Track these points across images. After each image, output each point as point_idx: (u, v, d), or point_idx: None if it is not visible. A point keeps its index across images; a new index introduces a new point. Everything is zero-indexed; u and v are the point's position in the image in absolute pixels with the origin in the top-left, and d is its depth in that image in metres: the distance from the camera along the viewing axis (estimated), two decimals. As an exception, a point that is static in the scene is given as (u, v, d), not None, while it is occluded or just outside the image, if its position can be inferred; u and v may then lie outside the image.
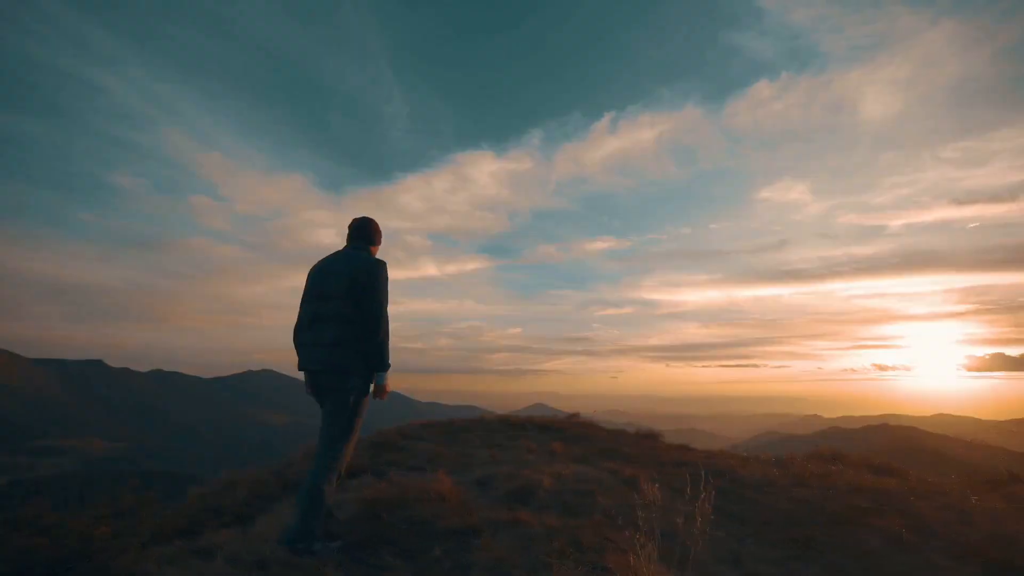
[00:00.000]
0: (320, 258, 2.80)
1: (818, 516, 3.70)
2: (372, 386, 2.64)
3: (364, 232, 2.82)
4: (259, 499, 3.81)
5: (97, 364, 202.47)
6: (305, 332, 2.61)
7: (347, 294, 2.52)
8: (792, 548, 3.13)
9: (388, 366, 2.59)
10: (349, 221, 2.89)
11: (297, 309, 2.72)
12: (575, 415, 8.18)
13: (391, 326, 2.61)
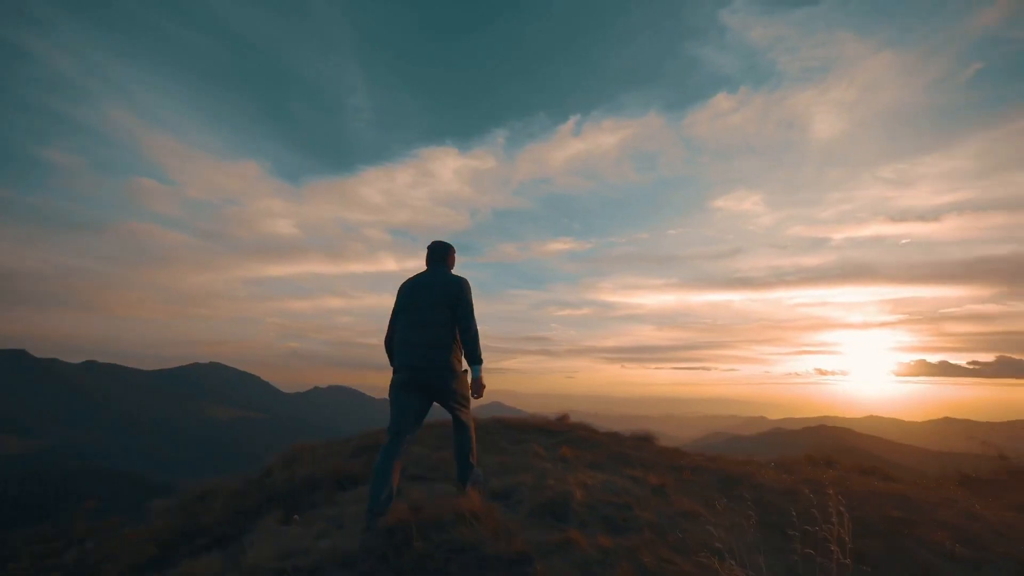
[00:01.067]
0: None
1: (857, 527, 3.50)
2: (469, 382, 3.11)
3: (445, 255, 3.36)
4: (239, 515, 3.23)
5: (19, 354, 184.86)
6: (409, 335, 3.05)
7: (443, 305, 3.05)
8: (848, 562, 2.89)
9: (481, 360, 3.08)
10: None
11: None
12: (565, 416, 7.85)
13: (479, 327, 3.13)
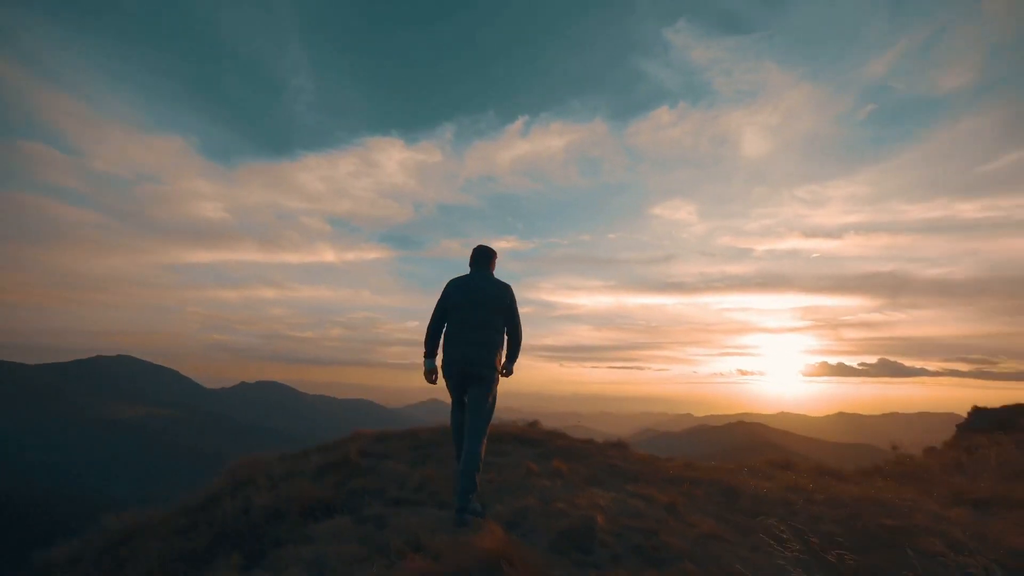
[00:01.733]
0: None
1: (863, 540, 3.45)
2: (504, 370, 3.46)
3: (490, 259, 3.63)
4: (181, 563, 2.54)
5: None
6: (465, 333, 3.32)
7: (498, 309, 3.38)
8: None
9: (517, 359, 3.52)
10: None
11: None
12: (535, 423, 7.53)
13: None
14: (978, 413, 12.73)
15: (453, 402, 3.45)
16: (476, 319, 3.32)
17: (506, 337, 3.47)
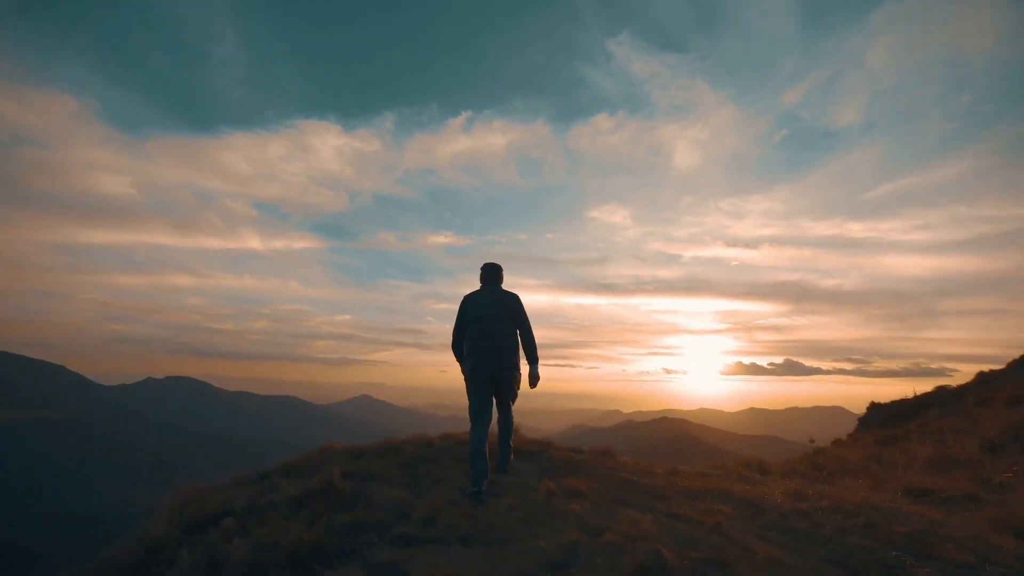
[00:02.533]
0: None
1: (895, 549, 3.33)
2: (527, 376, 4.01)
3: (498, 275, 4.24)
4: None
5: None
6: (485, 341, 3.88)
7: (509, 317, 3.97)
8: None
9: (538, 360, 4.04)
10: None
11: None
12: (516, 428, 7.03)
13: None
14: (875, 408, 14.19)
15: (478, 402, 3.85)
16: (492, 328, 3.89)
17: (522, 345, 4.03)
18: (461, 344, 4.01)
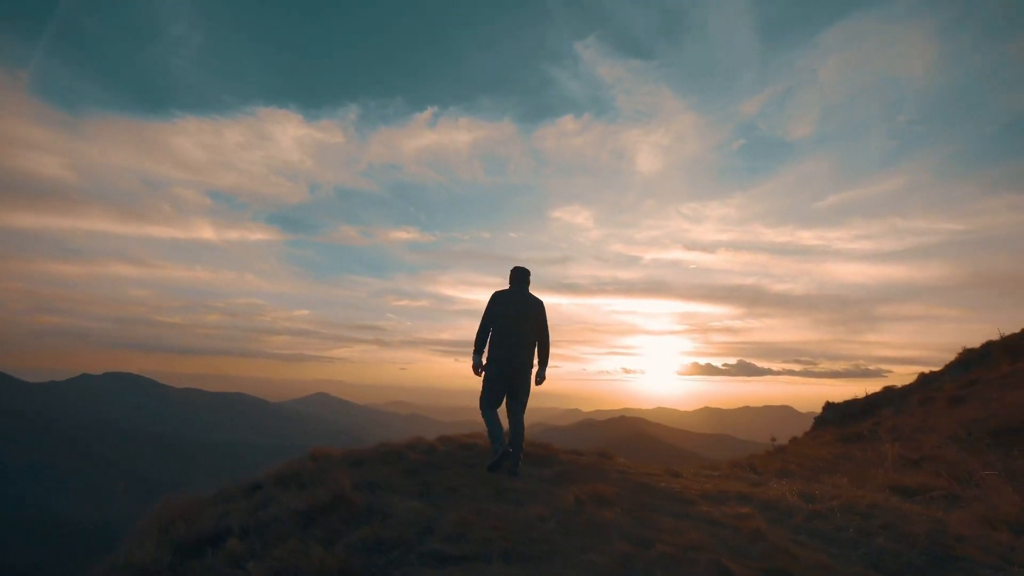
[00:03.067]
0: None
1: (922, 554, 3.34)
2: (534, 375, 4.40)
3: (527, 278, 4.54)
4: None
5: None
6: (511, 338, 4.19)
7: (534, 320, 4.30)
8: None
9: (547, 364, 4.43)
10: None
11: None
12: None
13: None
14: (829, 407, 14.95)
15: (492, 390, 4.23)
16: (517, 327, 4.20)
17: (537, 346, 4.36)
18: (486, 337, 4.24)
